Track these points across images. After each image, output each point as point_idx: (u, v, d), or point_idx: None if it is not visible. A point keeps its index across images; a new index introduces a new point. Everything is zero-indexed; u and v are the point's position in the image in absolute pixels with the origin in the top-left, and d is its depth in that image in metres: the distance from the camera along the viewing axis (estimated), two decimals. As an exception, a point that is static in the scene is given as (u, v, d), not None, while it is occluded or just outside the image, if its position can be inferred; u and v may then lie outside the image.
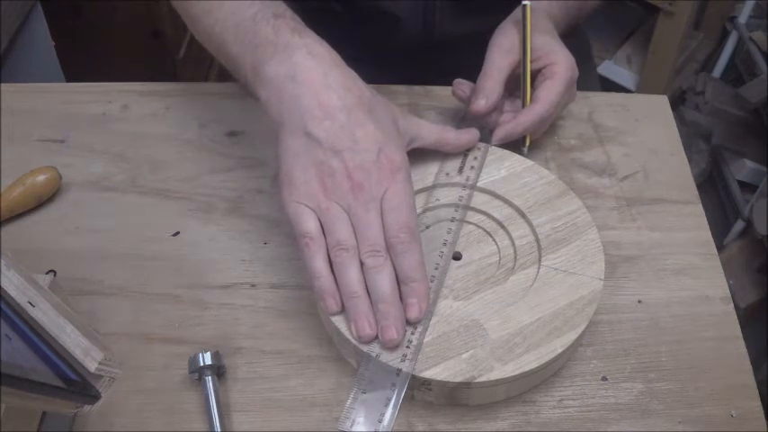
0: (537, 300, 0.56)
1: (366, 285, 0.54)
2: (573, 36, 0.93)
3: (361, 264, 0.54)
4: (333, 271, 0.54)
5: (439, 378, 0.52)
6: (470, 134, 0.65)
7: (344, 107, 0.56)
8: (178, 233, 0.65)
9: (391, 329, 0.52)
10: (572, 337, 0.54)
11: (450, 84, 0.77)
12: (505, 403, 0.55)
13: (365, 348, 0.53)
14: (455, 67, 0.80)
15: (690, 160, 0.73)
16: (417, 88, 0.77)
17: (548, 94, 0.67)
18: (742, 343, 0.59)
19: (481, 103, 0.67)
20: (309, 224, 0.54)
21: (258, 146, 0.71)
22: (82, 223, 0.65)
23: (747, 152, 1.76)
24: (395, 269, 0.54)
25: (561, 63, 0.68)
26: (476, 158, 0.65)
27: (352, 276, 0.53)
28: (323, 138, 0.55)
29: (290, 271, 0.62)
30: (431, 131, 0.63)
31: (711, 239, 0.66)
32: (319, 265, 0.54)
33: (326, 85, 0.56)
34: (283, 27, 0.59)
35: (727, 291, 0.63)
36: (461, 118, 0.71)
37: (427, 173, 0.63)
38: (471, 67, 0.77)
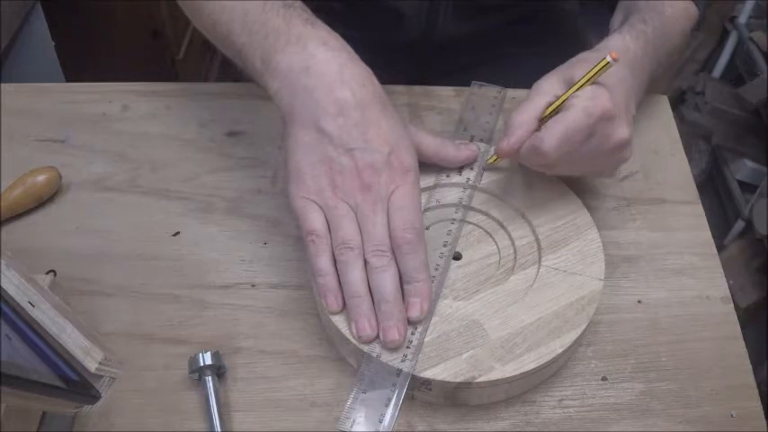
0: (537, 300, 0.56)
1: (369, 285, 0.54)
2: (575, 38, 0.93)
3: (365, 263, 0.54)
4: (336, 268, 0.54)
5: (439, 378, 0.52)
6: (469, 150, 0.64)
7: (359, 104, 0.55)
8: (178, 233, 0.65)
9: (393, 330, 0.52)
10: (572, 337, 0.54)
11: (450, 83, 0.77)
12: (505, 403, 0.55)
13: (366, 348, 0.53)
14: (455, 67, 0.80)
15: (690, 160, 0.73)
16: (417, 88, 0.77)
17: (553, 124, 0.56)
18: (742, 343, 0.59)
19: (502, 142, 0.58)
20: (316, 221, 0.54)
21: (258, 146, 0.71)
22: (82, 223, 0.65)
23: (747, 152, 1.76)
24: (399, 269, 0.54)
25: (584, 97, 0.56)
26: (476, 159, 0.65)
27: (356, 275, 0.53)
28: (335, 134, 0.54)
29: (290, 271, 0.62)
30: (429, 145, 0.62)
31: (711, 239, 0.66)
32: (323, 262, 0.54)
33: (341, 80, 0.55)
34: (295, 17, 0.58)
35: (727, 291, 0.63)
36: (459, 120, 0.71)
37: (427, 173, 0.63)
38: (471, 67, 0.77)
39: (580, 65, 0.59)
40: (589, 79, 0.57)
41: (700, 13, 0.73)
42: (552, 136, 0.55)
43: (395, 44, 0.83)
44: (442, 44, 0.84)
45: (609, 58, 0.55)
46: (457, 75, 0.77)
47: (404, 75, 0.78)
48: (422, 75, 0.84)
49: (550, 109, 0.58)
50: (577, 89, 0.57)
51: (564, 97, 0.57)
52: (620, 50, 0.61)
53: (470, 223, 0.62)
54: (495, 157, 0.64)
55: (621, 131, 0.57)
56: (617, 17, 0.72)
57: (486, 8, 0.82)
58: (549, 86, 0.59)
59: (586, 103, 0.56)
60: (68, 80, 1.31)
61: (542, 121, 0.58)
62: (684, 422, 0.55)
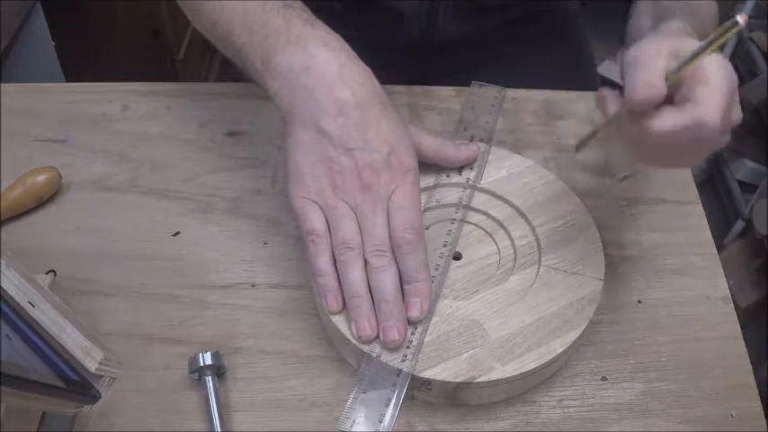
0: (537, 300, 0.56)
1: (369, 285, 0.54)
2: (575, 38, 0.93)
3: (365, 262, 0.54)
4: (336, 268, 0.54)
5: (439, 378, 0.52)
6: (469, 150, 0.64)
7: (359, 104, 0.55)
8: (178, 233, 0.65)
9: (393, 330, 0.52)
10: (572, 337, 0.54)
11: (450, 84, 0.77)
12: (505, 403, 0.55)
13: (366, 348, 0.53)
14: (455, 67, 0.80)
15: (690, 160, 0.73)
16: (417, 88, 0.77)
17: (709, 94, 0.47)
18: (742, 343, 0.59)
19: (642, 93, 0.48)
20: (316, 221, 0.54)
21: (258, 146, 0.71)
22: (82, 223, 0.65)
23: (747, 152, 1.76)
24: (399, 269, 0.54)
25: (713, 68, 0.48)
26: (476, 159, 0.65)
27: (356, 275, 0.53)
28: (335, 134, 0.54)
29: (290, 271, 0.62)
30: (429, 145, 0.62)
31: (711, 239, 0.66)
32: (323, 262, 0.54)
33: (341, 80, 0.55)
34: (294, 18, 0.58)
35: (727, 291, 0.63)
36: (459, 120, 0.71)
37: (427, 173, 0.63)
38: (471, 68, 0.77)
39: (675, 39, 0.52)
40: (716, 45, 0.47)
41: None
42: (669, 121, 0.47)
43: (395, 44, 0.83)
44: (442, 44, 0.84)
45: (741, 21, 0.46)
46: (457, 75, 0.77)
47: (404, 75, 0.78)
48: (422, 75, 0.84)
49: (675, 76, 0.48)
50: (702, 56, 0.48)
51: (686, 68, 0.48)
52: (681, 29, 0.56)
53: (470, 223, 0.62)
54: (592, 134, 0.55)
55: (738, 111, 0.50)
56: (643, 20, 0.67)
57: (486, 8, 0.82)
58: (656, 52, 0.50)
59: (724, 72, 0.48)
60: (68, 80, 1.31)
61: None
62: (684, 422, 0.55)
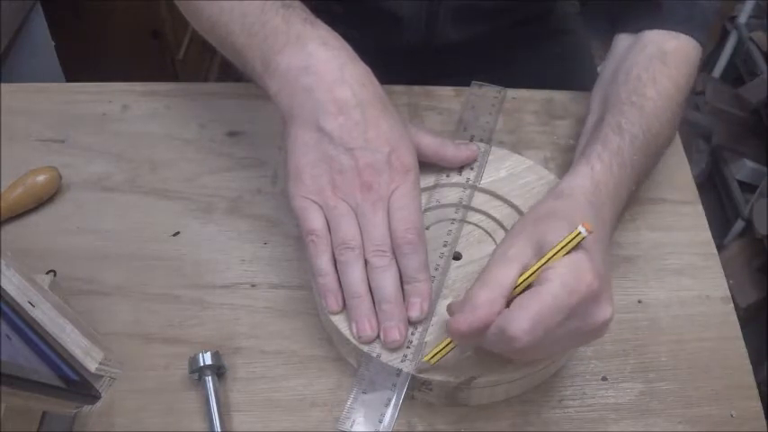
0: (537, 300, 0.56)
1: (369, 285, 0.54)
2: (575, 40, 0.93)
3: (366, 262, 0.54)
4: (336, 268, 0.54)
5: (439, 378, 0.52)
6: (469, 150, 0.64)
7: (359, 103, 0.55)
8: (178, 233, 0.65)
9: (394, 331, 0.52)
10: (572, 337, 0.54)
11: (450, 84, 0.77)
12: (505, 403, 0.55)
13: (366, 348, 0.53)
14: (456, 70, 0.80)
15: (690, 160, 0.73)
16: (417, 88, 0.77)
17: (525, 302, 0.46)
18: (742, 343, 0.59)
19: (460, 320, 0.47)
20: (316, 221, 0.54)
21: (258, 146, 0.71)
22: (82, 223, 0.65)
23: (747, 152, 1.76)
24: (399, 269, 0.54)
25: (562, 270, 0.47)
26: (476, 159, 0.65)
27: (356, 276, 0.53)
28: (336, 134, 0.54)
29: (290, 271, 0.62)
30: (429, 144, 0.62)
31: (711, 239, 0.66)
32: (324, 263, 0.54)
33: (342, 80, 0.55)
34: (294, 17, 0.58)
35: (727, 291, 0.63)
36: (459, 120, 0.71)
37: (427, 173, 0.63)
38: (471, 70, 0.77)
39: (550, 224, 0.51)
40: (560, 251, 0.48)
41: (704, 45, 0.66)
42: (524, 317, 0.45)
43: (395, 48, 0.83)
44: (442, 48, 0.83)
45: (582, 231, 0.47)
46: (457, 77, 0.77)
47: (404, 77, 0.78)
48: (423, 76, 0.84)
49: (521, 279, 0.48)
50: (547, 260, 0.48)
51: (536, 269, 0.48)
52: (589, 192, 0.55)
53: (470, 223, 0.62)
54: (442, 348, 0.51)
55: (605, 311, 0.48)
56: (595, 100, 0.66)
57: (485, 12, 0.81)
58: (516, 252, 0.50)
59: (567, 278, 0.46)
60: (68, 80, 1.31)
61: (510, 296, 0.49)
62: (684, 422, 0.55)
